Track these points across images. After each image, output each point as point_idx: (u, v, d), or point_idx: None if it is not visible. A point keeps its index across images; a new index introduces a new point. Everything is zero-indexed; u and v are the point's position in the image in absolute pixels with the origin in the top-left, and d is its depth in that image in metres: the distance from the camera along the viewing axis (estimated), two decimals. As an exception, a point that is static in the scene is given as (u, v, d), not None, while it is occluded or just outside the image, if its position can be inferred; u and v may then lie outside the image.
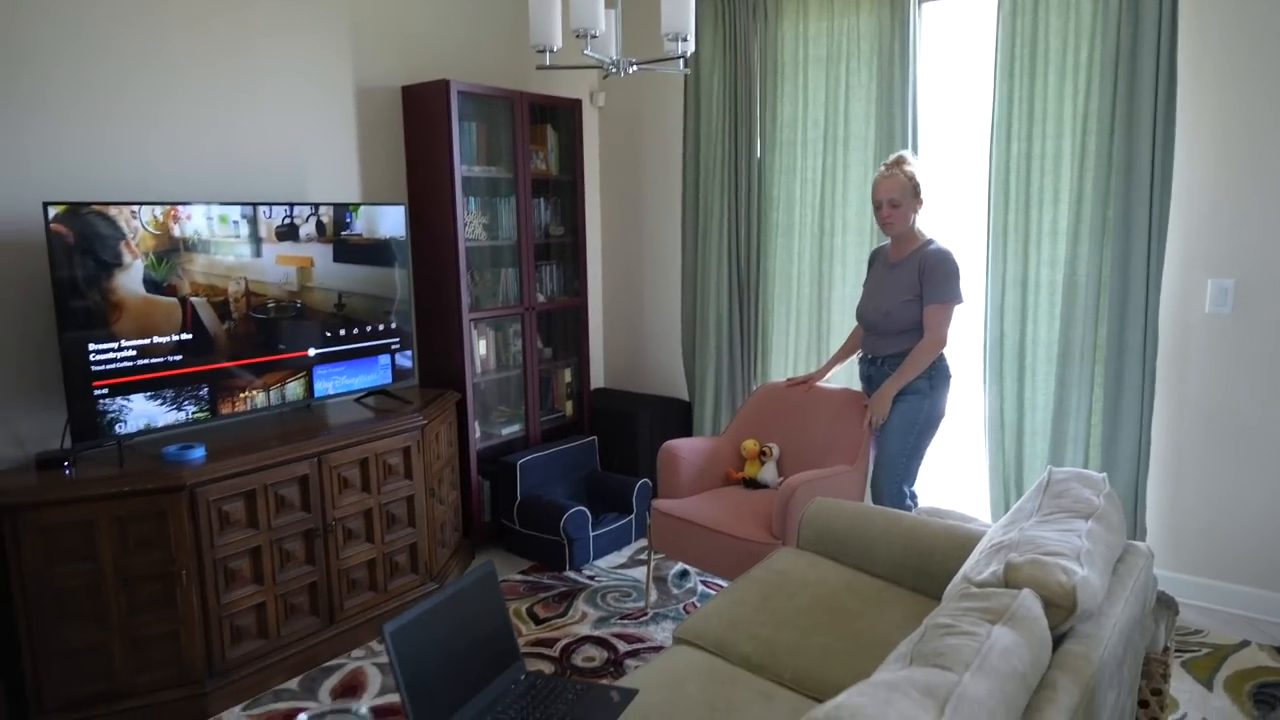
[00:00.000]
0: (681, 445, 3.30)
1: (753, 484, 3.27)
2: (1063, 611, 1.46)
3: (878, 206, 2.99)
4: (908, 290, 2.96)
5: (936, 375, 2.98)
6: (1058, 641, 1.49)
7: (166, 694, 2.54)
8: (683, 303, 4.25)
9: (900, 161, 2.98)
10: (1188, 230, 3.02)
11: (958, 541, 2.22)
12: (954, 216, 3.59)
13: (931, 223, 3.09)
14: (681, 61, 2.88)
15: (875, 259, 3.21)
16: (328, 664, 2.88)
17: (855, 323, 3.31)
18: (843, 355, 3.40)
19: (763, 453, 3.29)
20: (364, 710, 0.97)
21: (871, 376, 3.12)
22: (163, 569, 2.50)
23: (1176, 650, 2.80)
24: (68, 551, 2.39)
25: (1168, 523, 3.17)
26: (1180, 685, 2.61)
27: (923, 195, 2.98)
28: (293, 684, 2.76)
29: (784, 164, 3.84)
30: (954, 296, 2.93)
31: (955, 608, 1.46)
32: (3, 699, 2.38)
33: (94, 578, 2.42)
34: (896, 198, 2.94)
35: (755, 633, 2.03)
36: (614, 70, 2.75)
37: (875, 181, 3.01)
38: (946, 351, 3.00)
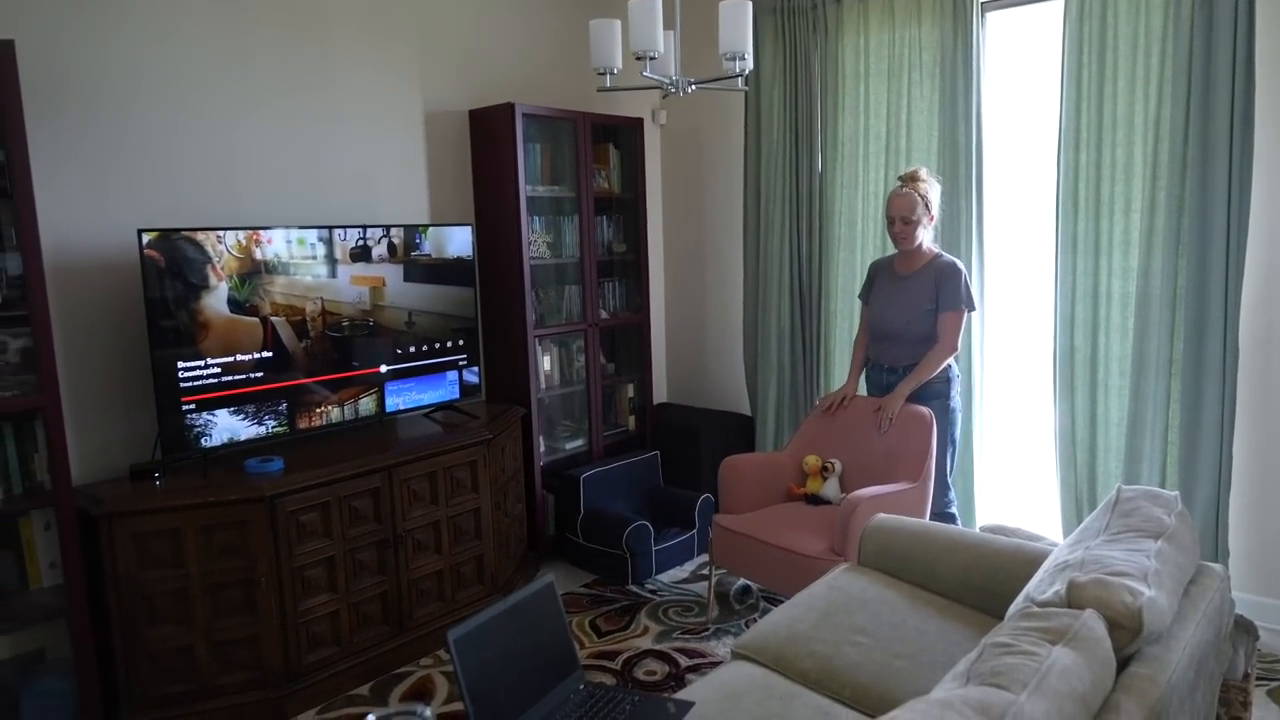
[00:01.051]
0: (743, 460, 3.30)
1: (815, 500, 3.25)
2: (1128, 633, 1.43)
3: (891, 221, 3.16)
4: (927, 300, 3.14)
5: (952, 378, 3.20)
6: (1123, 665, 1.46)
7: (247, 695, 2.66)
8: (744, 318, 4.26)
9: (914, 177, 3.15)
10: (1270, 239, 2.90)
11: (1024, 560, 2.18)
12: (1020, 228, 3.53)
13: (999, 234, 3.08)
14: (740, 80, 2.92)
15: (879, 271, 3.36)
16: (397, 671, 2.97)
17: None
18: (861, 364, 3.45)
19: (825, 468, 3.27)
20: (428, 712, 1.01)
21: (893, 385, 3.21)
22: (244, 575, 2.62)
23: (1260, 677, 2.68)
24: (157, 558, 2.53)
25: (1252, 544, 3.04)
26: (1264, 714, 2.50)
27: (934, 210, 3.16)
28: (364, 690, 2.86)
29: (845, 178, 3.83)
30: (969, 304, 3.14)
31: (1015, 627, 1.45)
32: (98, 696, 2.52)
33: (181, 583, 2.55)
34: (909, 214, 3.10)
35: (814, 649, 2.03)
36: (674, 90, 2.80)
37: (889, 197, 3.18)
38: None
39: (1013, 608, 1.68)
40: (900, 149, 3.62)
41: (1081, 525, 1.91)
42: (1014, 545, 2.25)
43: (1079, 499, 3.25)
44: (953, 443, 3.23)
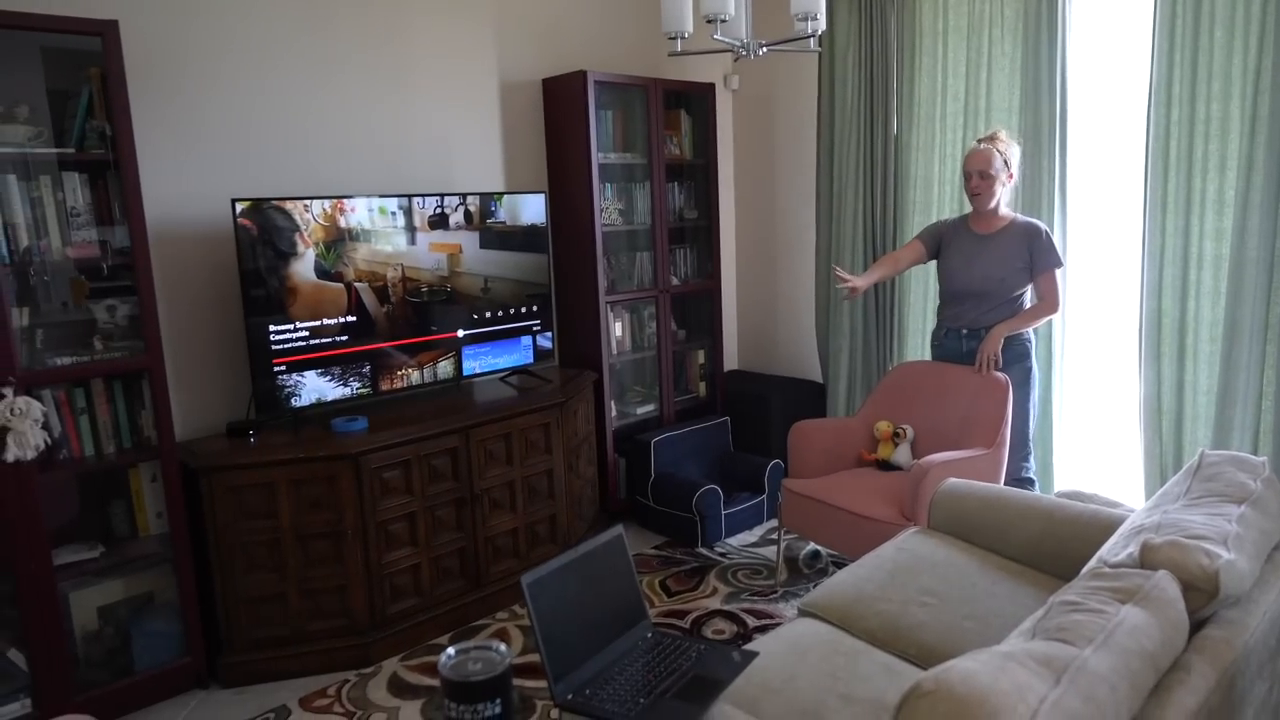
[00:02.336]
0: (813, 426, 3.30)
1: (886, 466, 3.24)
2: (1203, 595, 1.41)
3: (968, 177, 3.12)
4: (1017, 259, 3.10)
5: (1032, 340, 3.20)
6: (1197, 627, 1.44)
7: (335, 641, 2.81)
8: (817, 284, 4.22)
9: (994, 137, 3.12)
10: (1380, 197, 2.74)
11: (1099, 525, 2.14)
12: (1105, 189, 3.40)
13: (1082, 196, 3.00)
14: (813, 41, 2.88)
15: (952, 232, 3.27)
16: (475, 623, 3.10)
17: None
18: (879, 274, 3.34)
19: (896, 434, 3.25)
20: (504, 648, 1.08)
21: (974, 350, 3.15)
22: (332, 528, 2.76)
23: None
24: (252, 509, 2.69)
25: (1352, 517, 2.90)
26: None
27: (1013, 170, 3.14)
28: (444, 639, 2.99)
29: (922, 140, 3.74)
30: (1060, 261, 3.13)
31: (1084, 586, 1.44)
32: (200, 637, 2.71)
33: (274, 534, 2.71)
34: (988, 169, 3.07)
35: (880, 608, 2.04)
36: (745, 53, 2.78)
37: (968, 153, 3.14)
38: None
39: (1084, 569, 1.66)
40: (979, 109, 3.53)
41: (1160, 490, 1.87)
42: (1089, 511, 2.21)
43: (1163, 468, 3.15)
44: (1033, 406, 3.20)
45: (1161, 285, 3.09)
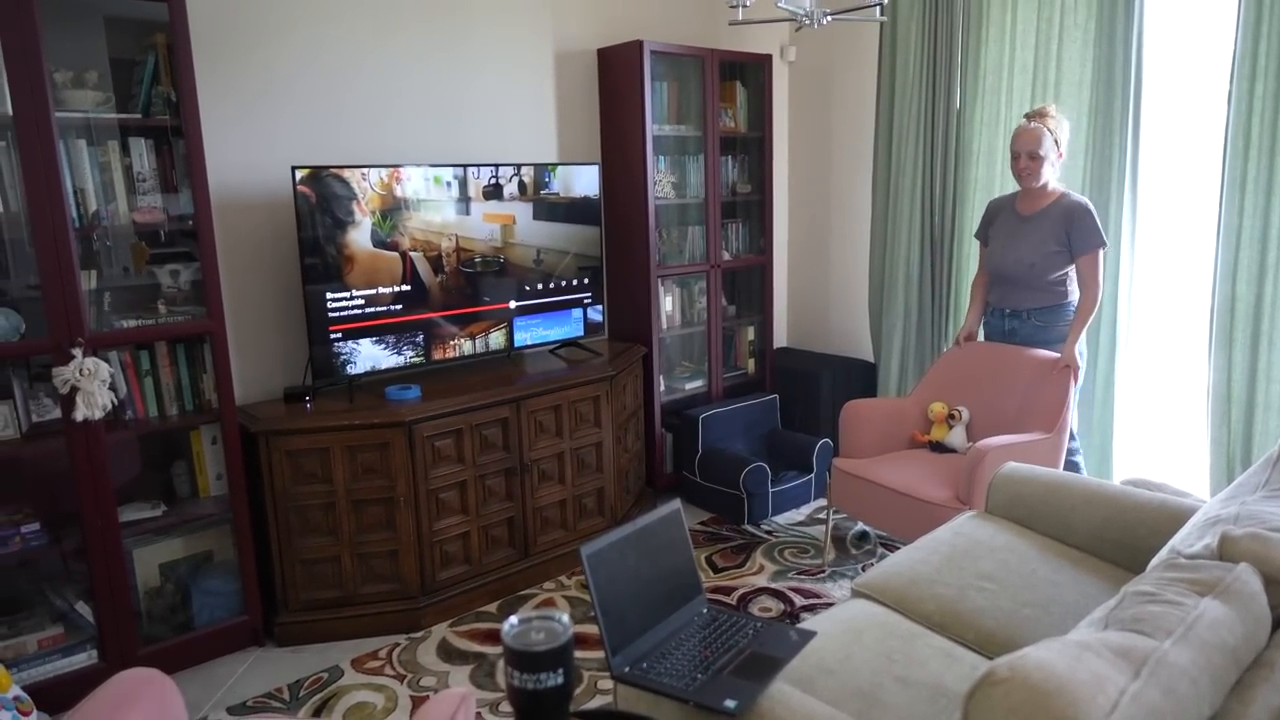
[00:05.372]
0: (866, 405, 3.26)
1: (939, 448, 3.18)
2: (1287, 590, 1.35)
3: (1016, 157, 3.03)
4: (1052, 241, 3.01)
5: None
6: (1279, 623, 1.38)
7: (387, 605, 2.86)
8: (870, 262, 4.14)
9: (1043, 114, 3.01)
10: None
11: (1168, 515, 2.07)
12: (1178, 167, 3.27)
13: (1153, 174, 2.88)
14: (878, 9, 2.80)
15: (998, 211, 3.23)
16: (522, 592, 3.12)
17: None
18: (982, 306, 3.34)
19: (951, 416, 3.19)
20: (565, 618, 1.07)
21: (1016, 330, 3.15)
22: (385, 494, 2.80)
23: None
24: (309, 473, 2.73)
25: None
26: None
27: (1063, 148, 3.04)
28: (492, 608, 3.02)
29: (986, 115, 3.63)
30: (1104, 241, 3.00)
31: (1159, 577, 1.39)
32: (257, 596, 2.77)
33: (329, 498, 2.75)
34: (1037, 149, 2.97)
35: (937, 592, 2.01)
36: (807, 22, 2.71)
37: (1016, 132, 3.05)
38: None
39: (1155, 560, 1.61)
40: (1049, 82, 3.41)
41: (1237, 480, 1.80)
42: (1158, 499, 2.15)
43: (1230, 458, 3.05)
44: (1079, 390, 3.15)
45: (1237, 268, 2.97)
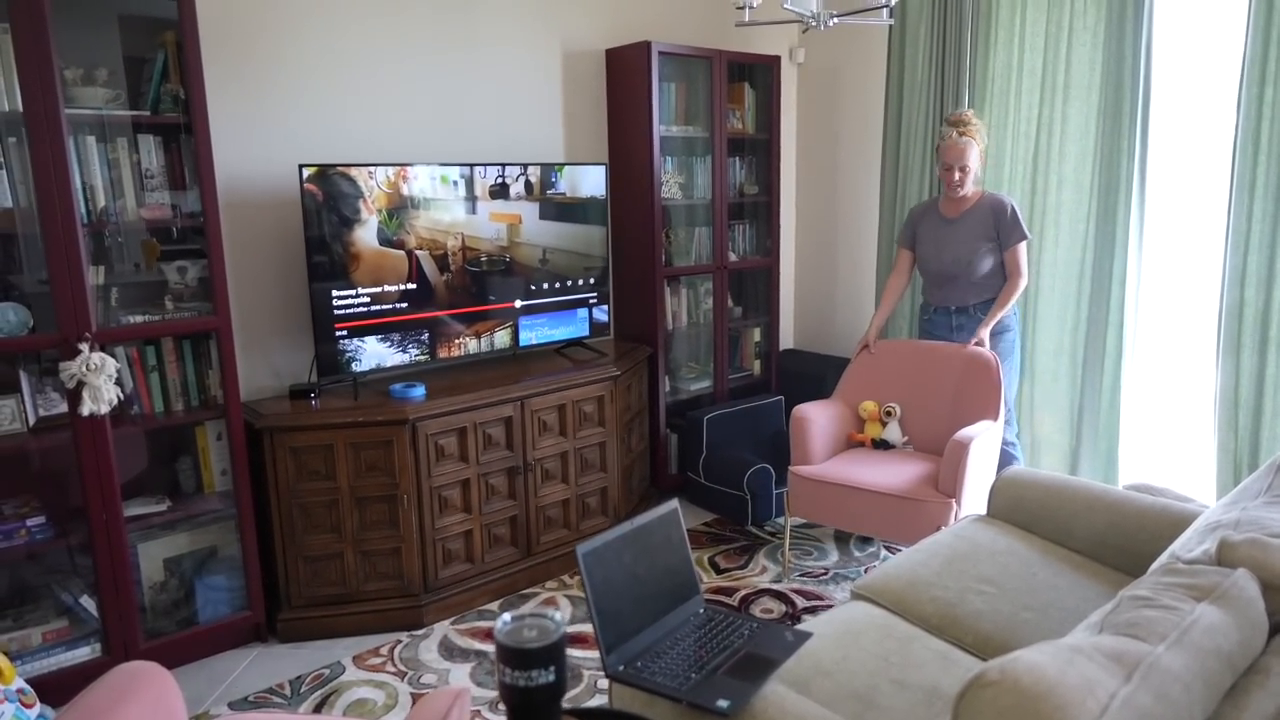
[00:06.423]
0: (813, 409, 3.25)
1: (881, 444, 3.27)
2: (1285, 597, 1.35)
3: (948, 169, 3.18)
4: (983, 238, 3.20)
5: (1015, 310, 3.30)
6: (1277, 629, 1.37)
7: (389, 602, 2.87)
8: (878, 265, 4.13)
9: (966, 121, 3.18)
10: None
11: (1170, 520, 2.06)
12: (1185, 171, 3.25)
13: (1160, 179, 2.87)
14: (886, 11, 2.79)
15: (922, 217, 3.39)
16: (524, 591, 3.13)
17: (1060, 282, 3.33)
18: (890, 309, 3.52)
19: (887, 413, 3.28)
20: (559, 616, 1.07)
21: (964, 325, 3.30)
22: (388, 492, 2.81)
23: None
24: (313, 470, 2.74)
25: None
26: None
27: (984, 155, 3.27)
28: (494, 606, 3.03)
29: (994, 118, 3.62)
30: (1026, 235, 3.20)
31: (1156, 582, 1.38)
32: (260, 592, 2.79)
33: (333, 495, 2.77)
34: (966, 161, 3.16)
35: (936, 594, 2.00)
36: (814, 24, 2.71)
37: (947, 145, 3.19)
38: None
39: (1155, 565, 1.60)
40: (1057, 85, 3.39)
41: (1239, 486, 1.79)
42: (1160, 504, 2.14)
43: (1237, 463, 3.03)
44: (1018, 375, 3.39)
45: (1245, 273, 2.95)
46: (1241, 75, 2.89)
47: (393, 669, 2.65)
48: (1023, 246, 3.18)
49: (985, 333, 3.17)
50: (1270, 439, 2.96)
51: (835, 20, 2.71)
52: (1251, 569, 1.37)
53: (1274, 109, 2.83)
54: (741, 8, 2.65)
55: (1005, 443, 3.32)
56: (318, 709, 2.45)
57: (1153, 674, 1.09)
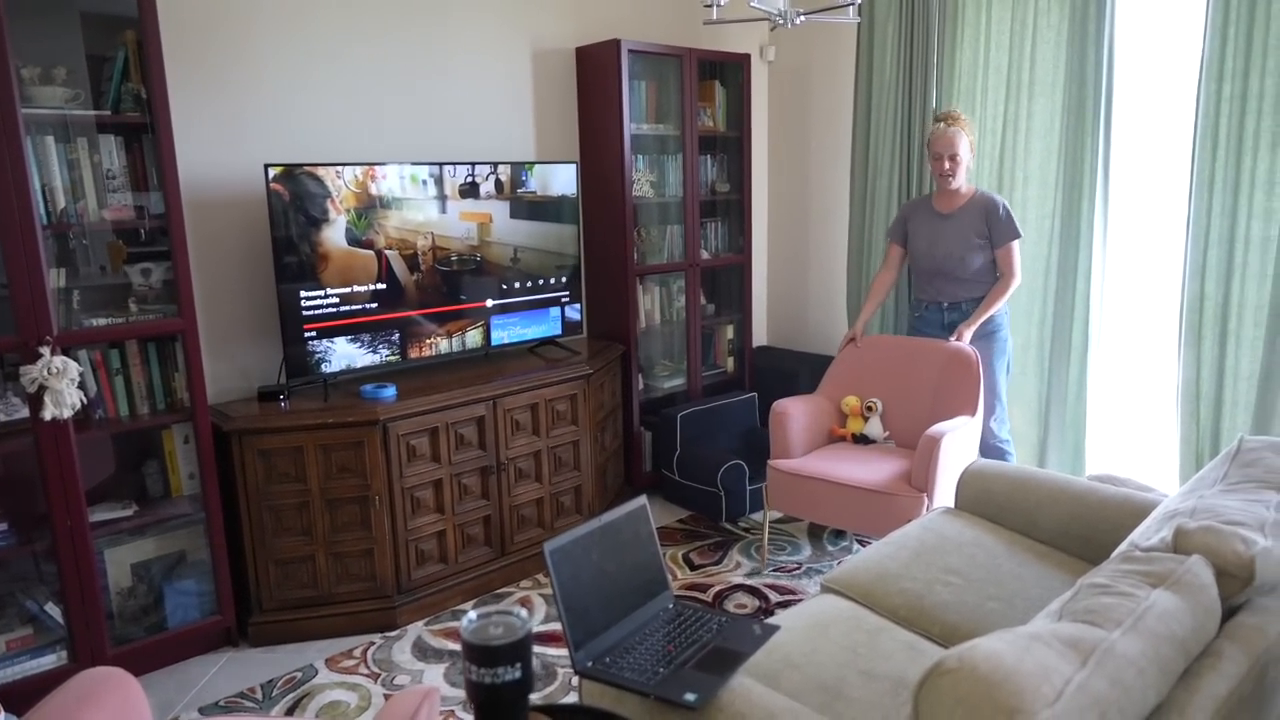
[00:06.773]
0: (792, 404, 3.27)
1: (862, 439, 3.29)
2: (1237, 583, 1.37)
3: (938, 159, 3.23)
4: (976, 235, 3.23)
5: (1005, 309, 3.32)
6: (1230, 614, 1.41)
7: (362, 604, 2.85)
8: (849, 261, 4.17)
9: (955, 117, 3.23)
10: None
11: (1131, 510, 2.10)
12: (1147, 167, 3.31)
13: (1124, 174, 2.92)
14: (852, 10, 2.82)
15: (915, 211, 3.41)
16: (499, 591, 3.13)
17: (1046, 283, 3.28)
18: (877, 304, 3.55)
19: (868, 408, 3.30)
20: (524, 613, 1.08)
21: (956, 321, 3.30)
22: (360, 493, 2.79)
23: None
24: (282, 473, 2.72)
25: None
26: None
27: (973, 151, 3.29)
28: (467, 606, 3.02)
29: (962, 114, 3.65)
30: (1019, 234, 3.22)
31: (1114, 569, 1.41)
32: (230, 596, 2.76)
33: (303, 497, 2.75)
34: (957, 151, 3.19)
35: (904, 586, 2.03)
36: (781, 22, 2.73)
37: (935, 135, 3.25)
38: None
39: (1115, 553, 1.63)
40: (1022, 82, 3.44)
41: (1197, 475, 1.83)
42: (1122, 494, 2.17)
43: (1199, 453, 3.09)
44: (1008, 373, 3.39)
45: (1205, 267, 3.01)
46: (1200, 72, 2.95)
47: (366, 671, 2.64)
48: (1015, 245, 3.20)
49: (969, 331, 3.20)
50: (1230, 429, 3.02)
51: (802, 18, 2.72)
52: (1205, 555, 1.40)
53: (1231, 105, 2.89)
54: (709, 5, 2.65)
55: (1000, 440, 3.33)
56: (289, 712, 2.43)
57: (1108, 659, 1.12)
